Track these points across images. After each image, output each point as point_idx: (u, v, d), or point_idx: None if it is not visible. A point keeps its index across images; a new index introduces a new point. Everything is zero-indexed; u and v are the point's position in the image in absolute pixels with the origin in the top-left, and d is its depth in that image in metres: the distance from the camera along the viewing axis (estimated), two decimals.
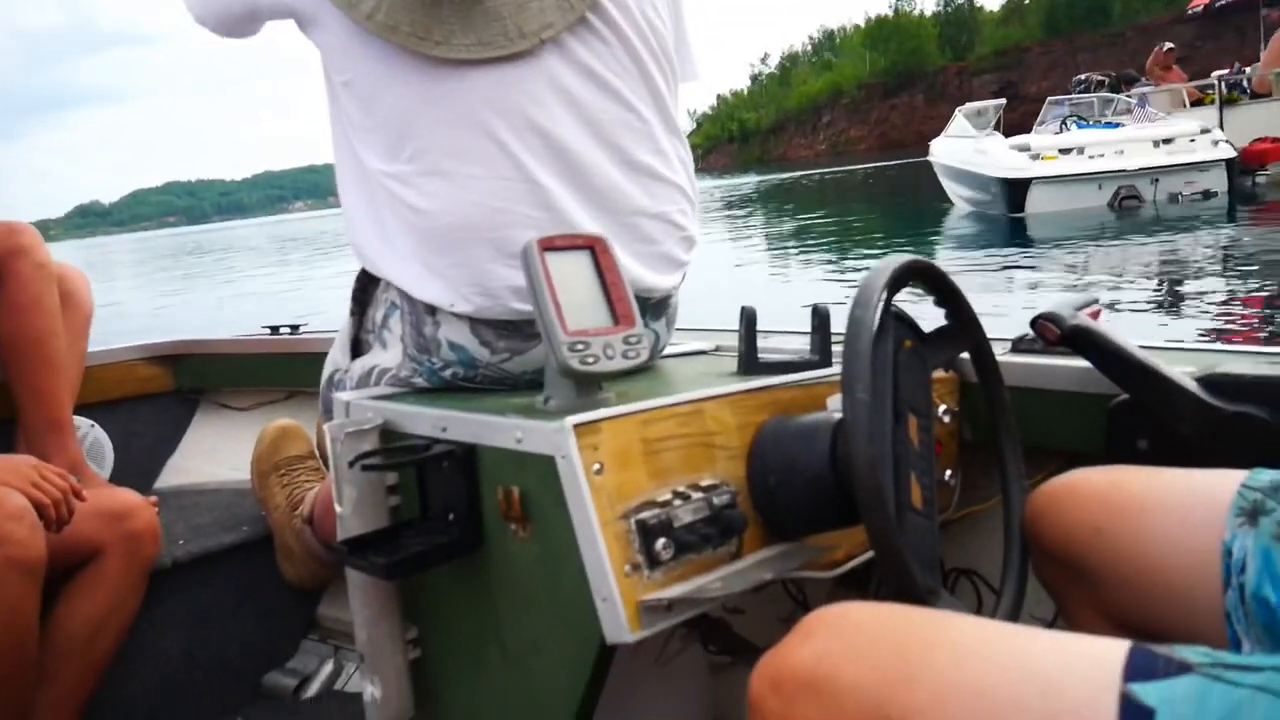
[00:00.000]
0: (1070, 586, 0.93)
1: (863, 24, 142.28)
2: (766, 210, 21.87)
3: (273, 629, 1.79)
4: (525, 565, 0.94)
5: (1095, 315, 1.16)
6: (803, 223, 16.86)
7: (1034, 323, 1.16)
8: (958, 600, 0.90)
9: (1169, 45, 14.70)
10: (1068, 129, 12.15)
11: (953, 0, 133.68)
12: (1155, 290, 7.16)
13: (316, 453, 1.79)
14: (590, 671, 0.89)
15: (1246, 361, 1.10)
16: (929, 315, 1.05)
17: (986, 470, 1.20)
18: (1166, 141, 11.49)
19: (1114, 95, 12.91)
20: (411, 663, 1.11)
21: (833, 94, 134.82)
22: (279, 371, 2.21)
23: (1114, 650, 0.58)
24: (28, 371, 1.74)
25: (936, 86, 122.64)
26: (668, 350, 1.38)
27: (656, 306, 1.24)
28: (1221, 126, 11.88)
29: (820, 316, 1.17)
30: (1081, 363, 1.15)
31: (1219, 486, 0.81)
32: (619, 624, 0.81)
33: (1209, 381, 1.06)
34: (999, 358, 1.08)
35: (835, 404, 0.99)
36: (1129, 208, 11.43)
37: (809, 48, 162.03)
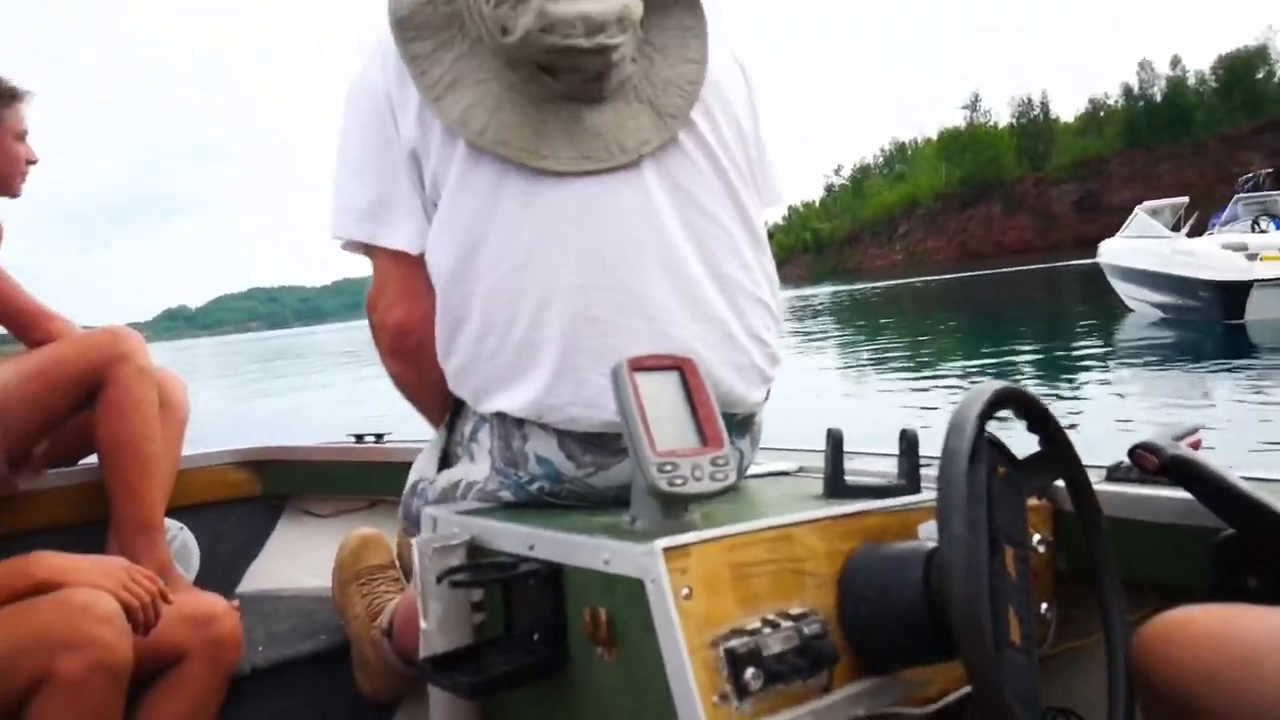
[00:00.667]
0: None
1: (935, 137, 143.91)
2: (846, 322, 21.81)
3: None
4: (610, 689, 0.93)
5: (1196, 445, 1.13)
6: (892, 338, 16.74)
7: (1132, 452, 1.14)
8: None
9: None
10: (1262, 228, 11.20)
11: (1028, 112, 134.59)
12: None
13: (397, 563, 1.81)
14: None
15: None
16: (1020, 439, 1.04)
17: (1083, 603, 1.16)
18: None
19: None
20: None
21: (908, 204, 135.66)
22: (362, 480, 2.26)
23: None
24: (123, 473, 1.81)
25: (1015, 196, 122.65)
26: (751, 470, 1.38)
27: (741, 424, 1.26)
28: None
29: (909, 440, 1.16)
30: (1182, 494, 1.12)
31: None
32: None
33: None
34: (1095, 486, 1.06)
35: (927, 531, 0.98)
36: None
37: (880, 159, 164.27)
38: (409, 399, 1.33)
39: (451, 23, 1.16)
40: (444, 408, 1.31)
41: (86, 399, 1.84)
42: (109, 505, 1.84)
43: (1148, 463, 1.11)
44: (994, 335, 14.52)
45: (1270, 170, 14.17)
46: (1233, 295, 10.56)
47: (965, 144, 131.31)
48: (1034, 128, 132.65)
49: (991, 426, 0.95)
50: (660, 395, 0.98)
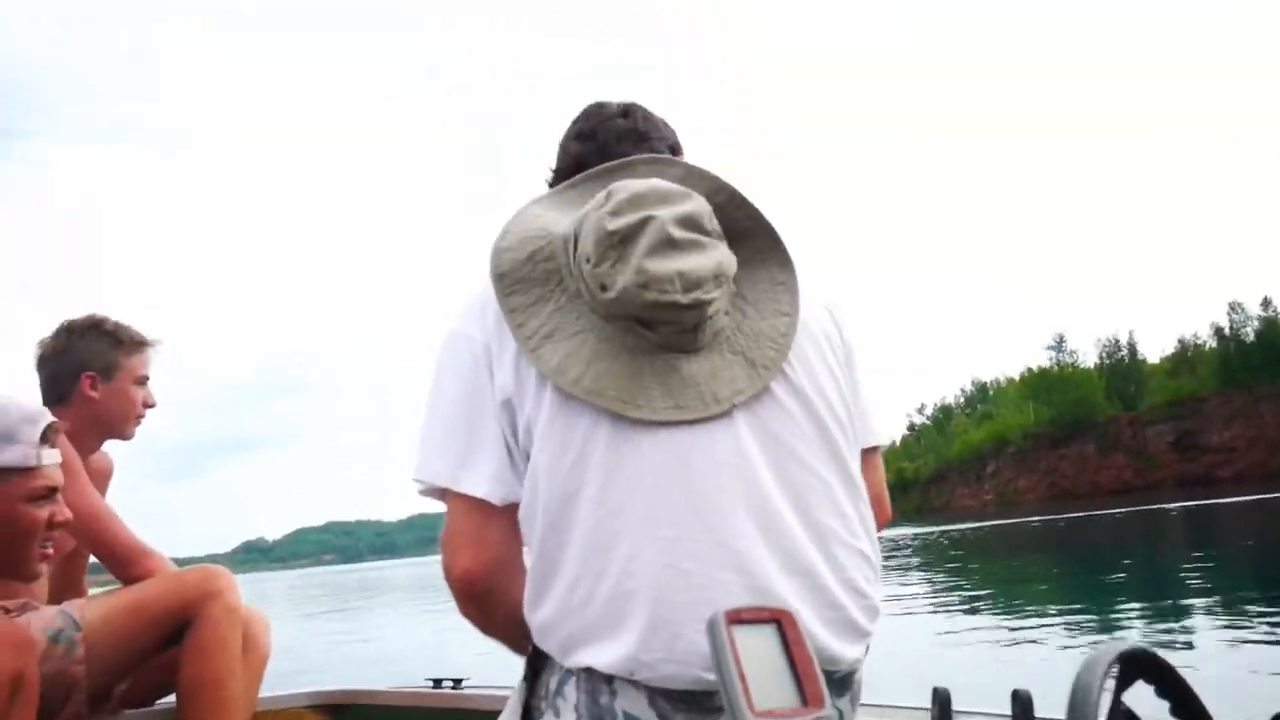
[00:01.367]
0: None
1: (1017, 376, 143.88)
2: (934, 566, 21.09)
3: None
4: None
5: None
6: (984, 584, 16.09)
7: (1277, 718, 1.06)
8: None
9: None
10: None
11: (1115, 352, 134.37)
12: None
13: None
14: None
15: None
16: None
17: None
18: None
19: None
20: None
21: (997, 443, 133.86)
22: None
23: None
24: (202, 712, 1.81)
25: (1109, 436, 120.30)
26: None
27: (841, 682, 1.21)
28: None
29: (1022, 703, 1.10)
30: None
31: None
32: None
33: None
34: None
35: None
36: None
37: (961, 399, 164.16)
38: (483, 631, 1.34)
39: (550, 278, 1.23)
40: (518, 640, 1.30)
41: (174, 636, 1.87)
42: None
43: None
44: (1096, 583, 13.84)
45: None
46: None
47: (1052, 383, 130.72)
48: (1122, 368, 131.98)
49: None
50: (758, 650, 0.96)
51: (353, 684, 2.40)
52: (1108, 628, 9.15)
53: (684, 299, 1.14)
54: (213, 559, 2.17)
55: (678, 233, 1.15)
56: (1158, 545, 20.63)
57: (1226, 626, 8.31)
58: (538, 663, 1.29)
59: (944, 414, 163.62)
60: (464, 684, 2.25)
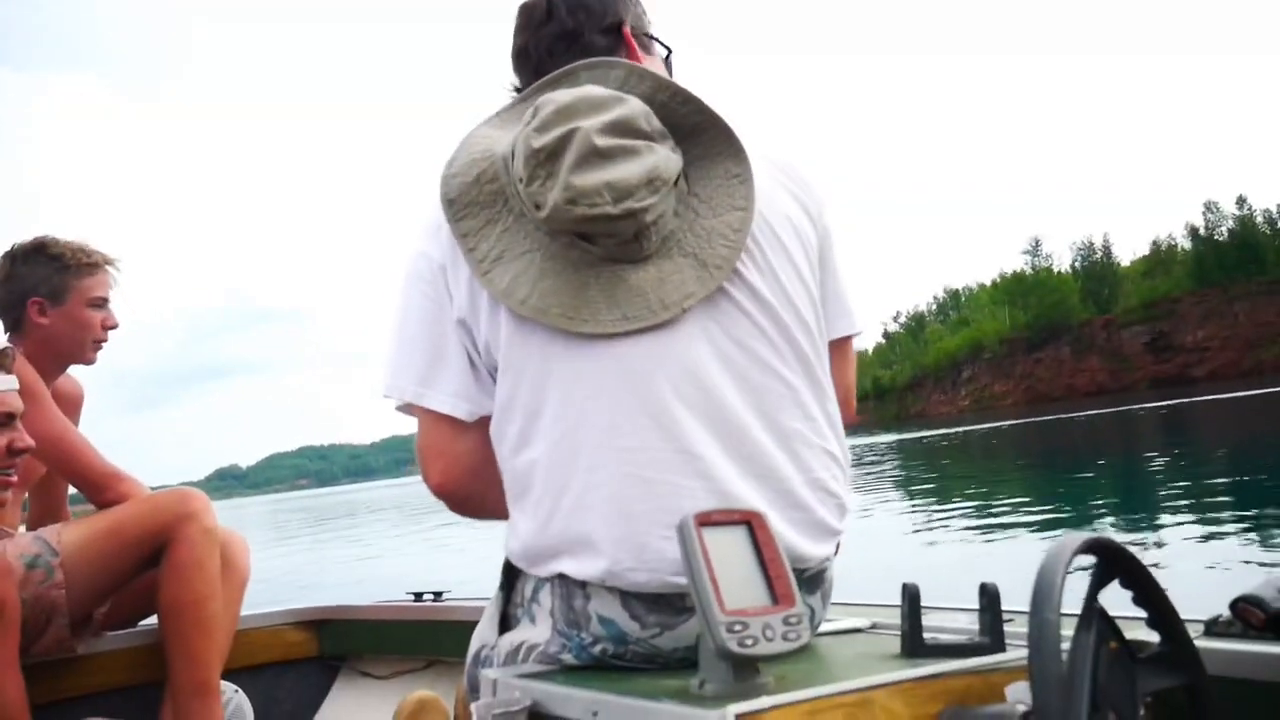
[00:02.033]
0: None
1: (989, 283, 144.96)
2: (911, 469, 21.48)
3: None
4: None
5: None
6: (961, 486, 16.43)
7: (1234, 605, 1.10)
8: None
9: None
10: None
11: (1090, 255, 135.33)
12: None
13: None
14: None
15: None
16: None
17: None
18: None
19: None
20: None
21: (973, 349, 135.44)
22: (420, 640, 2.25)
23: None
24: (184, 634, 1.85)
25: (1084, 339, 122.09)
26: (822, 628, 1.35)
27: (811, 580, 1.24)
28: None
29: (990, 595, 1.13)
30: None
31: None
32: None
33: None
34: (1195, 641, 1.02)
35: (1016, 693, 0.95)
36: None
37: (934, 306, 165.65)
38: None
39: (496, 199, 1.23)
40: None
41: (152, 559, 1.90)
42: (166, 667, 1.86)
43: (1253, 617, 1.07)
44: (1069, 482, 14.18)
45: None
46: None
47: (1028, 288, 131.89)
48: (1097, 271, 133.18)
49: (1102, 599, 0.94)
50: (728, 551, 0.98)
51: (334, 600, 2.45)
52: (1079, 526, 9.40)
53: (615, 210, 1.13)
54: (186, 486, 2.20)
55: (603, 141, 1.14)
56: (1131, 445, 21.12)
57: (1195, 522, 8.57)
58: (512, 572, 1.32)
59: (917, 322, 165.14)
60: (444, 596, 2.29)
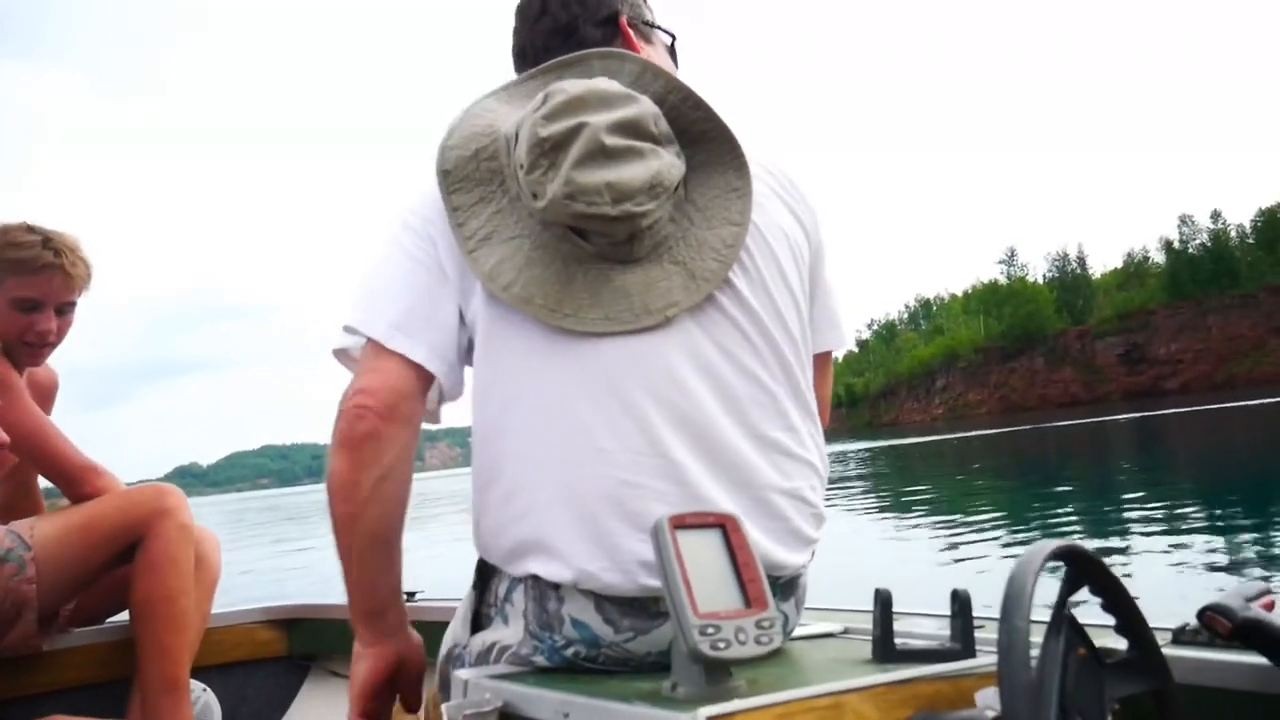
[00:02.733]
0: None
1: (960, 293, 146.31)
2: (884, 479, 21.61)
3: None
4: None
5: (1270, 606, 1.12)
6: (934, 496, 16.53)
7: (1202, 614, 1.12)
8: None
9: None
10: None
11: (1065, 266, 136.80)
12: None
13: None
14: None
15: None
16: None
17: None
18: None
19: None
20: None
21: (947, 357, 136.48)
22: None
23: None
24: (155, 629, 1.84)
25: (1058, 350, 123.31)
26: (795, 632, 1.37)
27: (786, 586, 1.25)
28: None
29: (961, 601, 1.15)
30: (1259, 659, 1.10)
31: None
32: None
33: None
34: (1163, 649, 1.05)
35: (985, 699, 0.97)
36: None
37: (905, 315, 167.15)
38: (336, 523, 1.20)
39: (493, 178, 1.23)
40: (368, 551, 1.21)
41: (126, 554, 1.89)
42: (136, 663, 1.87)
43: (1220, 625, 1.09)
44: (1042, 492, 14.32)
45: None
46: None
47: (1003, 297, 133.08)
48: (1071, 281, 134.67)
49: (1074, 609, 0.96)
50: (702, 554, 0.99)
51: (303, 599, 2.44)
52: (1051, 535, 9.50)
53: (613, 211, 1.13)
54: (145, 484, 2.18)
55: (611, 140, 1.14)
56: (1103, 457, 21.35)
57: (1164, 533, 8.68)
58: (485, 571, 1.32)
59: (888, 330, 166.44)
60: (417, 596, 2.29)
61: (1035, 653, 0.90)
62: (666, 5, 1.46)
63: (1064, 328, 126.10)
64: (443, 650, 1.36)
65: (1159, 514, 10.00)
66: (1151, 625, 1.06)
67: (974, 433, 43.77)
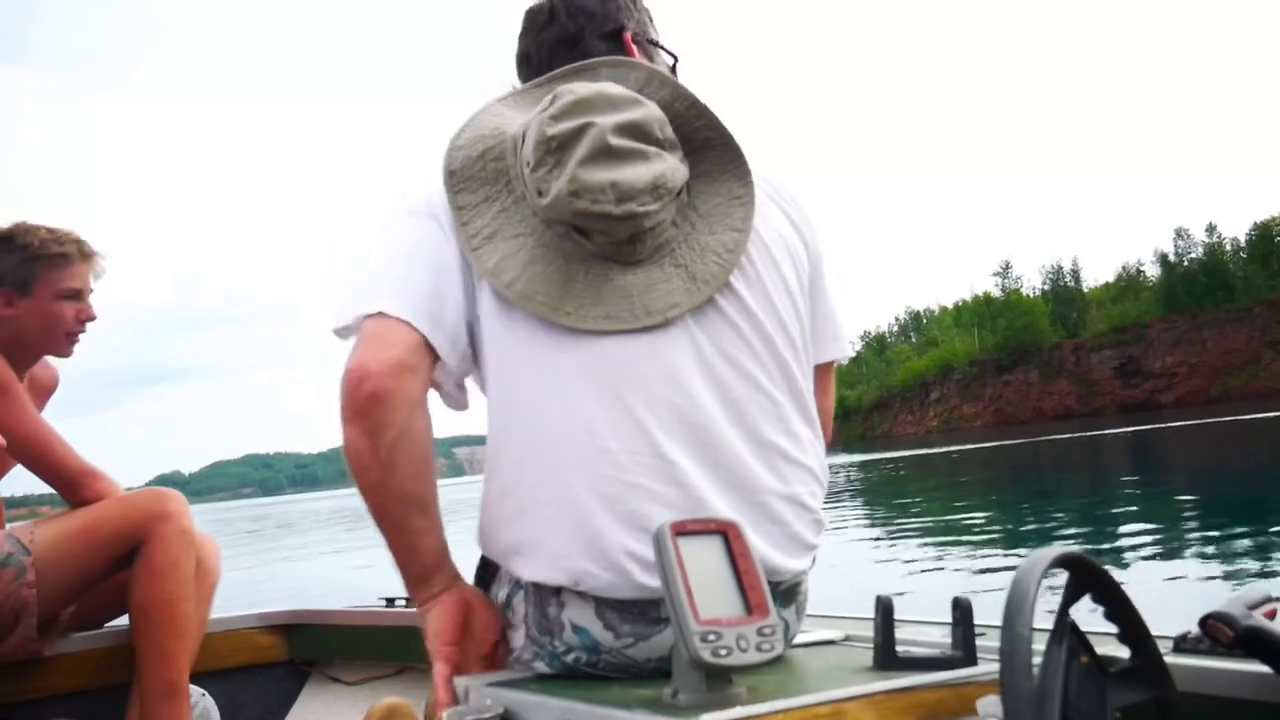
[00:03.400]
0: None
1: (951, 305, 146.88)
2: (877, 494, 21.64)
3: None
4: None
5: (1272, 615, 1.13)
6: (930, 509, 16.56)
7: (1204, 622, 1.13)
8: None
9: None
10: None
11: (1059, 279, 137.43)
12: None
13: None
14: None
15: None
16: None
17: None
18: None
19: None
20: None
21: (942, 370, 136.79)
22: (391, 645, 2.26)
23: None
24: (155, 634, 1.85)
25: (1053, 363, 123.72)
26: (796, 640, 1.37)
27: (786, 593, 1.26)
28: None
29: (962, 609, 1.16)
30: (1261, 668, 1.11)
31: None
32: None
33: None
34: (1165, 658, 1.06)
35: (987, 707, 0.98)
36: None
37: (895, 328, 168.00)
38: (364, 493, 1.20)
39: (499, 178, 1.25)
40: (399, 514, 1.20)
41: (126, 559, 1.90)
42: (135, 668, 1.88)
43: (1221, 634, 1.10)
44: (1040, 504, 14.37)
45: None
46: None
47: (998, 310, 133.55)
48: (1066, 294, 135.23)
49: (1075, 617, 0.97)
50: (703, 561, 1.00)
51: (304, 604, 2.45)
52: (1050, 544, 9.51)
53: (616, 210, 1.16)
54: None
55: (617, 141, 1.17)
56: (1100, 470, 21.42)
57: (1164, 543, 8.73)
58: (486, 573, 1.33)
59: (879, 343, 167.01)
60: (396, 602, 2.30)
61: (1037, 661, 0.91)
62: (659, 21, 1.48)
63: (1059, 340, 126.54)
64: None
65: (1156, 526, 10.05)
66: (1153, 634, 1.07)
67: (970, 446, 43.84)
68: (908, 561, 9.23)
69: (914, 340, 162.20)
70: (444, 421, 1.33)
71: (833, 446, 1.47)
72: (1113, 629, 1.06)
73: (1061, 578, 1.00)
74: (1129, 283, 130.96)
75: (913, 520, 13.61)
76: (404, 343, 1.17)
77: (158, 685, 1.84)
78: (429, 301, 1.20)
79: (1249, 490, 13.04)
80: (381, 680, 2.31)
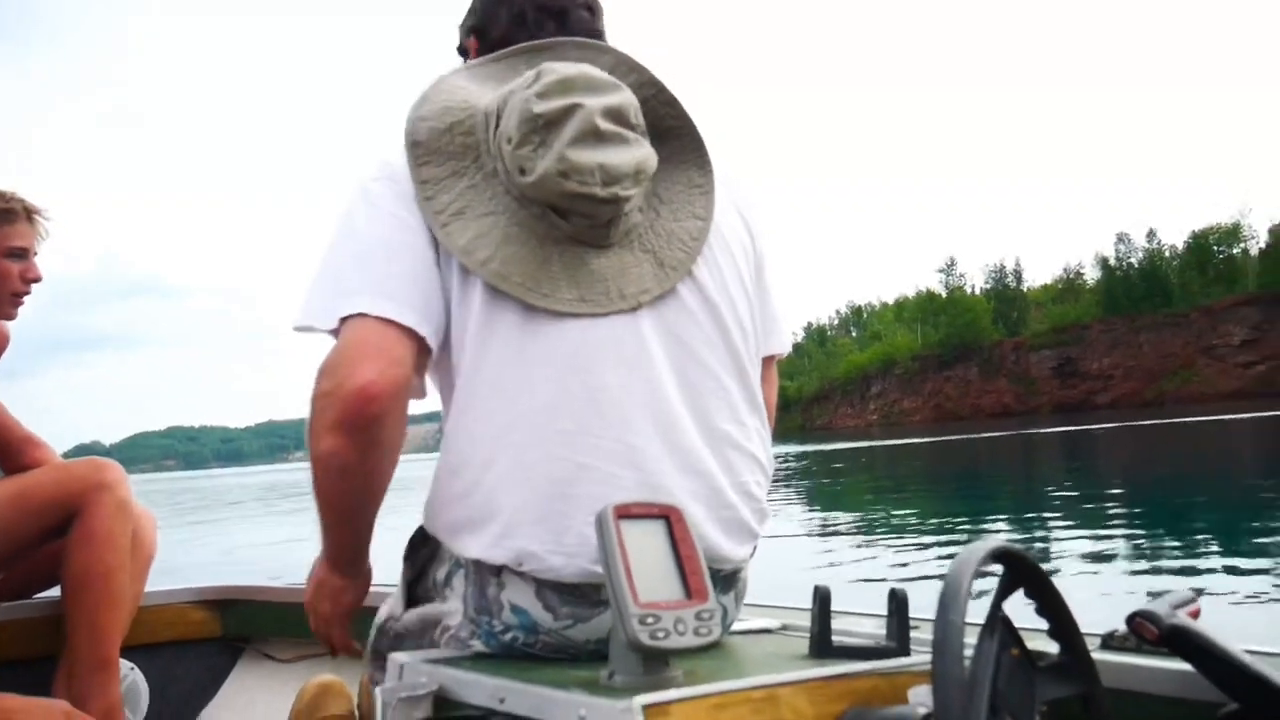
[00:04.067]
0: None
1: (892, 301, 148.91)
2: (816, 483, 21.90)
3: None
4: None
5: (1195, 614, 1.17)
6: (868, 501, 16.78)
7: (1130, 620, 1.17)
8: None
9: None
10: None
11: (1002, 278, 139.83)
12: None
13: (356, 713, 1.77)
14: None
15: None
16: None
17: None
18: None
19: None
20: None
21: (884, 364, 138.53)
22: None
23: None
24: (88, 606, 1.82)
25: (993, 360, 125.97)
26: (734, 627, 1.39)
27: (727, 579, 1.28)
28: None
29: (898, 600, 1.19)
30: (1184, 665, 1.15)
31: None
32: None
33: None
34: (1093, 654, 1.09)
35: (918, 696, 1.00)
36: None
37: (835, 321, 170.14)
38: (330, 493, 1.21)
39: (467, 153, 1.24)
40: (364, 516, 1.24)
41: (59, 528, 1.87)
42: (65, 640, 1.85)
43: (1147, 632, 1.15)
44: (974, 500, 14.66)
45: None
46: None
47: (940, 307, 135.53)
48: (1008, 293, 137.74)
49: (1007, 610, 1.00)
50: (645, 544, 1.01)
51: (237, 580, 2.43)
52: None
53: (602, 192, 1.16)
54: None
55: (604, 124, 1.17)
56: (1035, 470, 21.89)
57: (1093, 540, 8.96)
58: (423, 548, 1.34)
59: (819, 335, 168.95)
60: None
61: (970, 653, 0.94)
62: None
63: (1000, 339, 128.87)
64: (376, 623, 1.38)
65: (1087, 525, 10.31)
66: (1082, 630, 1.11)
67: (909, 440, 44.51)
68: (847, 550, 9.37)
69: (854, 334, 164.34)
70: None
71: (772, 436, 1.49)
72: (1043, 624, 1.09)
73: (997, 575, 1.03)
74: (1069, 284, 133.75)
75: (849, 514, 13.80)
76: (408, 358, 1.16)
77: (88, 658, 1.81)
78: (422, 300, 1.18)
79: (1178, 492, 13.44)
80: (315, 658, 2.30)
